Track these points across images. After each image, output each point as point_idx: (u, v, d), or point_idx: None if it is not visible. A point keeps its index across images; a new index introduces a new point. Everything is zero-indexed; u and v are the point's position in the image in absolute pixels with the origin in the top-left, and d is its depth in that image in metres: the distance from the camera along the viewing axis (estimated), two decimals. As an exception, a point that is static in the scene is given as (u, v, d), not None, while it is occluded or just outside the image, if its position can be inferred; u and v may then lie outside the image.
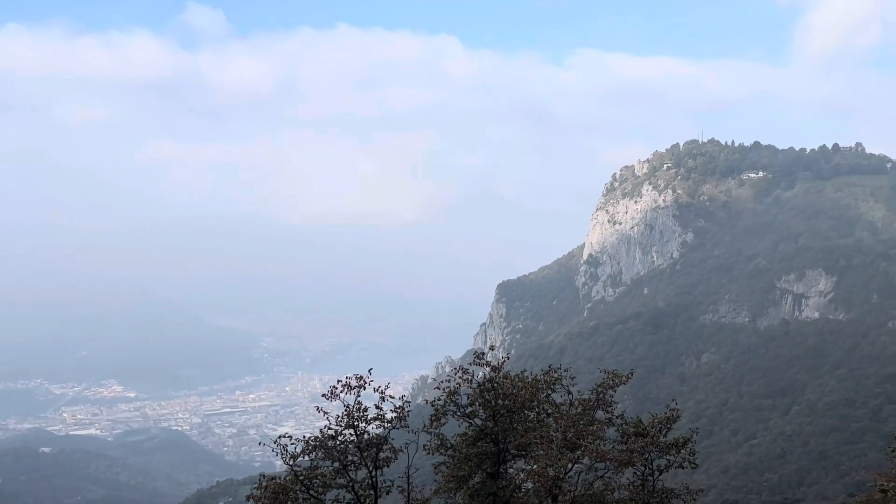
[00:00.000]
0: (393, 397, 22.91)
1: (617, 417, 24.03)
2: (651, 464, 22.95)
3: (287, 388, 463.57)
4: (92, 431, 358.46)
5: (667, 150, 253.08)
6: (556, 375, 24.18)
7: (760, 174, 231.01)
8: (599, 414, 24.64)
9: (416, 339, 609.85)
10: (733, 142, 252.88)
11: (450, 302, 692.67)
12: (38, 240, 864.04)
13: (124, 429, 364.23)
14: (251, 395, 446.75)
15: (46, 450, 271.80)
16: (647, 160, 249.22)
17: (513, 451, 23.59)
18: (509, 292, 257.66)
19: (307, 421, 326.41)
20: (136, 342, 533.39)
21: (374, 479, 22.44)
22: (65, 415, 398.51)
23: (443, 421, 23.55)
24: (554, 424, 23.16)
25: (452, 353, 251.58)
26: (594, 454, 21.95)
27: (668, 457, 23.28)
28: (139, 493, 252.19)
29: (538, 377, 23.96)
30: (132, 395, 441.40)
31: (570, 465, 22.17)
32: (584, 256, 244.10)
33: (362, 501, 22.51)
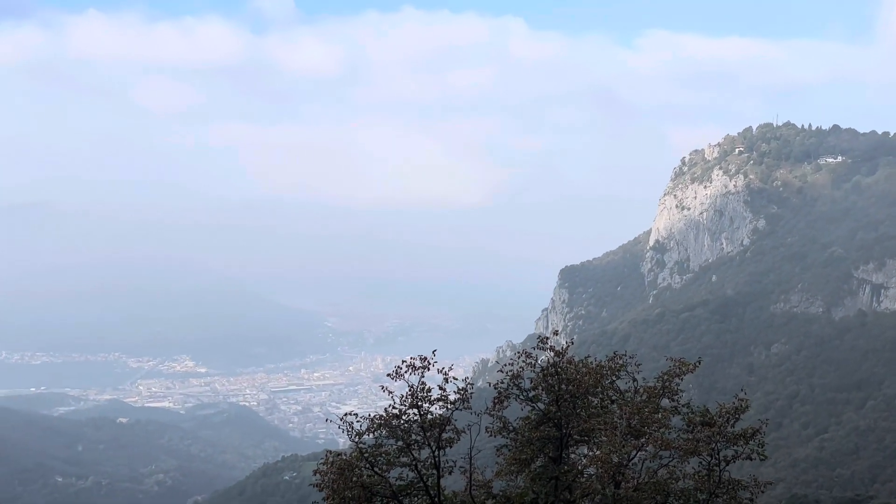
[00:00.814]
0: (456, 379, 23.08)
1: (683, 406, 23.62)
2: (718, 454, 22.49)
3: (350, 368, 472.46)
4: (165, 404, 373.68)
5: (739, 133, 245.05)
6: (621, 362, 23.90)
7: (839, 159, 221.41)
8: (665, 402, 24.27)
9: (476, 323, 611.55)
10: (810, 125, 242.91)
11: (511, 286, 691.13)
12: (115, 220, 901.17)
13: (195, 402, 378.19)
14: (315, 374, 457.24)
15: (123, 420, 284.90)
16: (718, 144, 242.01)
17: (575, 437, 23.49)
18: (572, 278, 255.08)
19: (370, 400, 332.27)
20: (207, 319, 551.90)
21: (436, 459, 22.71)
22: (140, 387, 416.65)
23: (505, 404, 23.60)
24: (618, 411, 22.93)
25: (513, 338, 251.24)
26: (659, 442, 21.67)
27: (735, 447, 22.78)
28: (209, 465, 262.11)
29: (603, 363, 23.74)
30: (203, 370, 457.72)
31: (633, 453, 21.96)
32: (651, 242, 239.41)
33: (425, 480, 22.82)
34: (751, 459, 23.20)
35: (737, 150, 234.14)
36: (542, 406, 23.44)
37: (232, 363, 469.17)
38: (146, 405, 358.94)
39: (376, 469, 22.48)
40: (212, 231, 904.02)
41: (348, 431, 22.18)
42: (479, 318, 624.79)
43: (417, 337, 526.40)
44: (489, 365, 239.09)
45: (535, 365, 23.45)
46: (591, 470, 22.28)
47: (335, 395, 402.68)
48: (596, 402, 23.57)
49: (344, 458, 22.20)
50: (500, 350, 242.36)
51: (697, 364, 24.86)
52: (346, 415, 22.49)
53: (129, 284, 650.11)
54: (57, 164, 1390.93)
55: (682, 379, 24.56)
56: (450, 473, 23.38)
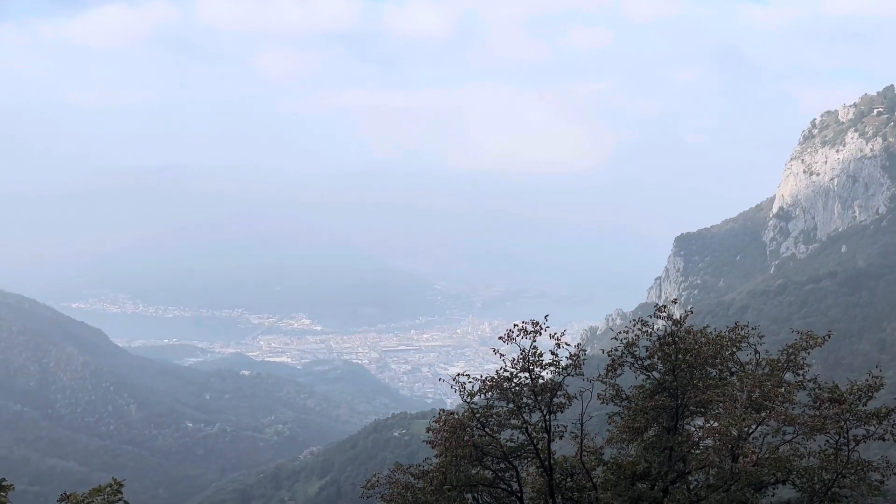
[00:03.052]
0: (568, 344, 22.90)
1: (809, 381, 22.44)
2: (846, 433, 21.28)
3: (458, 331, 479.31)
4: (284, 359, 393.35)
5: (878, 93, 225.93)
6: (742, 333, 22.94)
7: None
8: (788, 376, 23.17)
9: (585, 290, 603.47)
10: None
11: (623, 254, 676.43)
12: (238, 183, 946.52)
13: (311, 359, 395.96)
14: (424, 335, 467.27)
15: (246, 373, 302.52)
16: (854, 105, 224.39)
17: (691, 408, 22.88)
18: (688, 245, 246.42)
19: (476, 363, 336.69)
20: (323, 280, 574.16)
21: (547, 423, 22.74)
22: (261, 342, 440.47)
23: (619, 372, 23.24)
24: (738, 383, 22.07)
25: (624, 306, 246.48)
26: (782, 417, 20.74)
27: (866, 427, 21.48)
28: (323, 418, 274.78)
29: (723, 334, 22.87)
30: (319, 328, 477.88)
31: (754, 427, 21.15)
32: (774, 209, 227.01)
33: (535, 443, 22.92)
34: (883, 440, 21.82)
35: (875, 110, 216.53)
36: (657, 375, 22.91)
37: (346, 322, 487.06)
38: (266, 359, 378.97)
39: (487, 429, 22.74)
40: (328, 193, 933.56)
41: (460, 391, 22.47)
42: (588, 286, 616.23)
43: (525, 303, 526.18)
44: (598, 333, 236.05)
45: (650, 333, 22.88)
46: (708, 442, 21.65)
47: (443, 356, 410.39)
48: (714, 373, 22.79)
49: (456, 417, 22.57)
50: (610, 318, 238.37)
51: (826, 338, 23.51)
52: (458, 375, 22.77)
53: (251, 243, 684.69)
54: (186, 130, 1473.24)
55: (808, 353, 23.32)
56: (560, 438, 23.35)
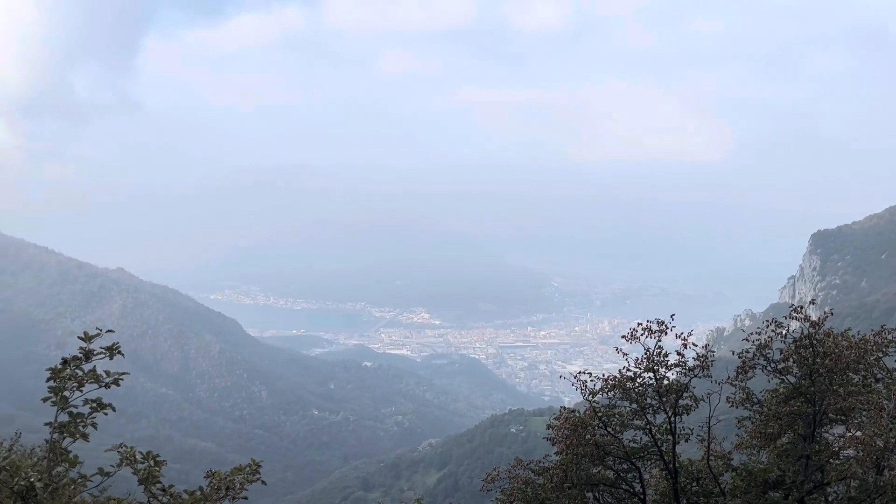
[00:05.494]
0: (695, 345, 22.13)
1: (968, 391, 20.54)
2: None
3: (576, 329, 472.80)
4: (404, 352, 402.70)
5: None
6: (889, 337, 21.29)
7: None
8: (943, 386, 21.27)
9: (711, 289, 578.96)
10: None
11: (752, 250, 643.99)
12: (361, 181, 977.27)
13: (430, 352, 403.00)
14: (542, 332, 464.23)
15: (368, 364, 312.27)
16: None
17: (831, 415, 21.49)
18: (825, 243, 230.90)
19: (595, 362, 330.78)
20: (442, 276, 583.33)
21: (672, 425, 22.10)
22: (382, 335, 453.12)
23: (750, 374, 22.19)
24: (884, 391, 20.53)
25: (753, 307, 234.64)
26: (935, 429, 19.13)
27: None
28: (442, 412, 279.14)
29: (867, 337, 21.32)
30: (437, 322, 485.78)
31: (902, 438, 19.61)
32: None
33: (659, 445, 22.35)
34: None
35: None
36: (791, 379, 21.70)
37: (463, 317, 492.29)
38: (387, 351, 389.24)
39: (609, 429, 22.38)
40: (449, 188, 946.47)
41: (582, 389, 22.23)
42: (714, 284, 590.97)
43: (646, 301, 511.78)
44: (725, 334, 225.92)
45: (784, 335, 21.69)
46: (850, 452, 20.28)
47: (560, 353, 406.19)
48: (857, 379, 21.28)
49: (577, 415, 22.35)
50: (739, 319, 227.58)
51: None
52: (580, 373, 22.49)
53: (374, 240, 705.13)
54: (313, 130, 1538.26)
55: (967, 361, 21.33)
56: (686, 441, 22.62)
